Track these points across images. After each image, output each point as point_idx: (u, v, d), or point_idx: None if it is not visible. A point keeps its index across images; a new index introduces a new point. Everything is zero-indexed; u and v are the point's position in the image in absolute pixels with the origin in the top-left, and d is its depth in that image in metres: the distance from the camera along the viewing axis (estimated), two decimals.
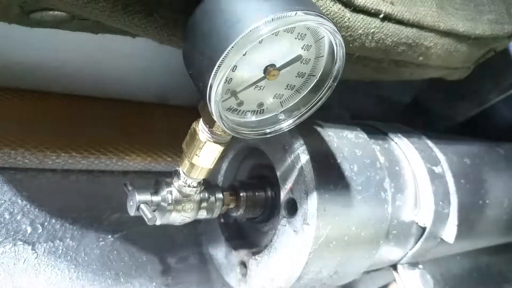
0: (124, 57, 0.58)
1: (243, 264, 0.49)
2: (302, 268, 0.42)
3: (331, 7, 0.37)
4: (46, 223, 0.49)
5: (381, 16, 0.41)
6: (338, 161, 0.44)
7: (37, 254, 0.48)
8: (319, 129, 0.46)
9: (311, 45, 0.33)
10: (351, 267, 0.47)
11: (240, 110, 0.36)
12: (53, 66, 0.55)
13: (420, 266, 0.56)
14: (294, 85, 0.36)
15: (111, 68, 0.59)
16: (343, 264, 0.45)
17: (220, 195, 0.45)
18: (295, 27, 0.31)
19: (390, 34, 0.42)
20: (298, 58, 0.34)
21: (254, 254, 0.47)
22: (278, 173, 0.45)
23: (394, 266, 0.55)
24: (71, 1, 0.32)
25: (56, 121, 0.55)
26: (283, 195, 0.44)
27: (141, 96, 0.63)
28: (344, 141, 0.47)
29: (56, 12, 0.35)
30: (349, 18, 0.39)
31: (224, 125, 0.34)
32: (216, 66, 0.30)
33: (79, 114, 0.57)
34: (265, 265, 0.46)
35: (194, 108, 0.38)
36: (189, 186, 0.41)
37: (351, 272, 0.48)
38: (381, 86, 0.73)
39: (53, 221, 0.50)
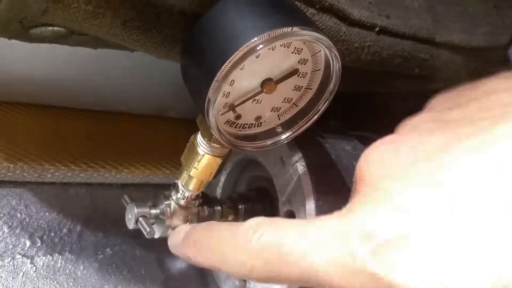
0: (122, 70, 0.59)
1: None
2: None
3: (327, 22, 0.38)
4: (45, 237, 0.49)
5: (377, 29, 0.41)
6: (337, 173, 0.44)
7: (36, 268, 0.48)
8: (316, 141, 0.46)
9: (307, 59, 0.34)
10: None
11: (238, 123, 0.36)
12: (51, 80, 0.56)
13: None
14: (291, 98, 0.36)
15: (109, 81, 0.59)
16: None
17: (218, 208, 0.45)
18: (291, 42, 0.32)
19: (385, 47, 0.42)
20: (295, 72, 0.34)
21: None
22: (276, 185, 0.45)
23: None
24: (70, 17, 0.32)
25: (54, 134, 0.55)
26: (282, 207, 0.44)
27: (139, 108, 0.64)
28: (342, 153, 0.47)
29: (55, 28, 0.35)
30: (345, 32, 0.39)
31: (222, 138, 0.34)
32: (214, 81, 0.30)
33: (77, 127, 0.58)
34: None
35: (193, 120, 0.39)
36: (187, 199, 0.42)
37: None
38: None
39: (52, 234, 0.50)
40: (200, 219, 0.44)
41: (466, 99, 0.31)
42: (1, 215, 0.48)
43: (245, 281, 0.48)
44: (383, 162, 0.29)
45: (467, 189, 0.25)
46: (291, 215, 0.43)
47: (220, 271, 0.34)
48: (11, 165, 0.49)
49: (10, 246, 0.47)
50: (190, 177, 0.40)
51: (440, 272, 0.24)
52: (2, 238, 0.47)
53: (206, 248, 0.35)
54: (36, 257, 0.48)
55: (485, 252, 0.23)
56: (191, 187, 0.40)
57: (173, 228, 0.42)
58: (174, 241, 0.39)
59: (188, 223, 0.43)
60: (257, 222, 0.33)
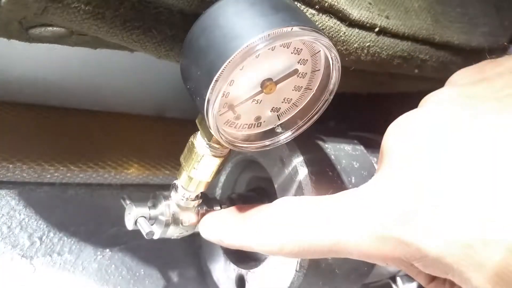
0: (121, 70, 0.59)
1: (241, 278, 0.49)
2: (301, 282, 0.42)
3: (326, 22, 0.38)
4: (44, 237, 0.49)
5: (377, 30, 0.41)
6: (336, 173, 0.45)
7: (35, 268, 0.48)
8: (316, 141, 0.46)
9: (307, 60, 0.34)
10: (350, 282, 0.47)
11: (237, 124, 0.36)
12: (51, 80, 0.56)
13: None
14: (291, 99, 0.36)
15: (108, 81, 0.59)
16: (341, 277, 0.45)
17: (218, 208, 0.45)
18: (291, 42, 0.32)
19: (385, 47, 0.42)
20: (294, 72, 0.34)
21: (252, 267, 0.47)
22: (276, 186, 0.45)
23: (393, 278, 0.55)
24: (69, 17, 0.32)
25: (54, 134, 0.55)
26: None
27: (138, 109, 0.64)
28: (342, 154, 0.47)
29: (55, 28, 0.35)
30: (344, 33, 0.39)
31: (221, 138, 0.34)
32: (213, 81, 0.30)
33: (76, 127, 0.58)
34: (263, 279, 0.46)
35: (192, 120, 0.38)
36: (187, 199, 0.42)
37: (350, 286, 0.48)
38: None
39: (51, 235, 0.50)
40: (199, 219, 0.44)
41: (490, 75, 0.32)
42: (0, 215, 0.48)
43: (244, 282, 0.48)
44: (410, 136, 0.30)
45: (493, 165, 0.26)
46: None
47: (252, 250, 0.35)
48: (11, 165, 0.49)
49: (9, 247, 0.47)
50: (189, 178, 0.39)
51: (465, 238, 0.25)
52: (1, 238, 0.47)
53: (238, 230, 0.37)
54: (35, 258, 0.48)
55: (507, 225, 0.24)
56: (190, 187, 0.40)
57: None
58: (206, 226, 0.40)
59: (187, 224, 0.43)
60: (285, 201, 0.34)
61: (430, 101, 0.32)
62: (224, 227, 0.38)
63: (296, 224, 0.32)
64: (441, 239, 0.26)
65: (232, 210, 0.40)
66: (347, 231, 0.30)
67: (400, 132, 0.31)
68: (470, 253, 0.25)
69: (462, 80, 0.34)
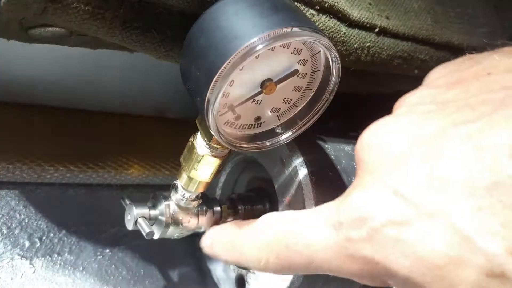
0: (121, 71, 0.59)
1: (242, 278, 0.49)
2: (301, 282, 0.42)
3: (326, 22, 0.38)
4: (44, 237, 0.49)
5: (377, 30, 0.41)
6: (336, 173, 0.45)
7: (35, 269, 0.48)
8: (316, 142, 0.46)
9: (307, 60, 0.34)
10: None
11: (237, 124, 0.36)
12: (51, 81, 0.56)
13: None
14: (291, 99, 0.36)
15: (108, 82, 0.59)
16: (341, 278, 0.45)
17: (218, 209, 0.45)
18: (291, 42, 0.32)
19: (385, 48, 0.42)
20: (294, 73, 0.34)
21: None
22: (276, 186, 0.45)
23: None
24: (69, 18, 0.32)
25: (53, 135, 0.55)
26: (281, 208, 0.44)
27: (139, 109, 0.64)
28: (342, 154, 0.47)
29: (54, 28, 0.35)
30: (344, 33, 0.39)
31: (221, 138, 0.34)
32: (213, 81, 0.30)
33: (76, 128, 0.58)
34: (263, 279, 0.46)
35: (192, 121, 0.39)
36: (187, 199, 0.42)
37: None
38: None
39: (51, 235, 0.50)
40: (199, 220, 0.44)
41: (466, 75, 0.30)
42: (0, 215, 0.48)
43: (245, 283, 0.48)
44: (380, 147, 0.29)
45: (464, 177, 0.25)
46: None
47: (244, 266, 0.36)
48: (10, 166, 0.49)
49: (9, 247, 0.47)
50: (189, 178, 0.40)
51: (435, 258, 0.24)
52: (1, 239, 0.47)
53: (228, 247, 0.37)
54: (35, 258, 0.48)
55: (481, 246, 0.23)
56: (190, 187, 0.40)
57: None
58: (204, 243, 0.41)
59: (187, 224, 0.43)
60: (268, 218, 0.35)
61: (403, 107, 0.31)
62: (218, 245, 0.39)
63: (274, 243, 0.32)
64: (410, 259, 0.25)
65: (225, 227, 0.40)
66: (318, 249, 0.29)
67: (372, 142, 0.30)
68: (440, 275, 0.24)
69: (438, 80, 0.33)
